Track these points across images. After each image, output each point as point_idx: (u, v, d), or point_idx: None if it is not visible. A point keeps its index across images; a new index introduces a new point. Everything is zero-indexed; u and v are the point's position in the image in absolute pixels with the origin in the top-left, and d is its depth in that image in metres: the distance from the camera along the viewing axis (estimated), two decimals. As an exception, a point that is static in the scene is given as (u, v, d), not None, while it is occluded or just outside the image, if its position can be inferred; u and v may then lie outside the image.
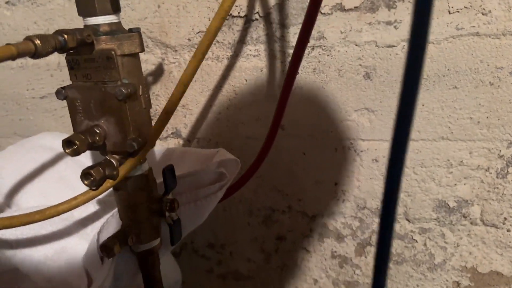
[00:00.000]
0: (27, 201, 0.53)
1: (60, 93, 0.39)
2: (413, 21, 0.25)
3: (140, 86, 0.40)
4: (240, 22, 0.56)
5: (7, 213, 0.49)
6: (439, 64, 0.53)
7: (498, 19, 0.50)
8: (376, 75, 0.55)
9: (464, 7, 0.50)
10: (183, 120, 0.64)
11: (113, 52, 0.37)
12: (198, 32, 0.58)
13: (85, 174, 0.37)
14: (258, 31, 0.56)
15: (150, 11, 0.58)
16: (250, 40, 0.57)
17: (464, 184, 0.57)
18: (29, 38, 0.31)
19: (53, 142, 0.59)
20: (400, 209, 0.60)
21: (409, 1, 0.51)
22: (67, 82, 0.65)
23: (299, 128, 0.59)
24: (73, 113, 0.39)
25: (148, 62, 0.62)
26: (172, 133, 0.65)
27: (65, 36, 0.34)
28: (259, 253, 0.68)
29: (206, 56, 0.58)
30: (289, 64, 0.47)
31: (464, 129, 0.55)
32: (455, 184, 0.57)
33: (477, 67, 0.52)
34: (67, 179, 0.56)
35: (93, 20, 0.38)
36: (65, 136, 0.58)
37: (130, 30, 0.39)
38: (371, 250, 0.63)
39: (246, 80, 0.59)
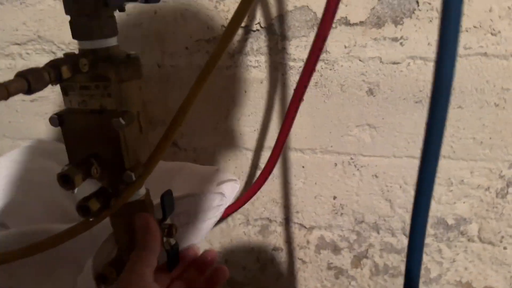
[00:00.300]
0: (13, 210, 0.51)
1: (54, 120, 0.37)
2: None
3: (138, 112, 0.38)
4: (240, 32, 0.54)
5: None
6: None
7: (508, 40, 0.48)
8: (379, 91, 0.53)
9: (474, 26, 0.49)
10: (180, 129, 0.62)
11: (110, 79, 0.35)
12: (197, 40, 0.56)
13: (81, 207, 0.36)
14: (259, 42, 0.54)
15: (147, 17, 0.56)
16: (250, 51, 0.55)
17: (464, 203, 0.57)
18: (21, 75, 0.29)
19: (51, 148, 0.57)
20: (398, 224, 0.60)
21: (416, 18, 0.49)
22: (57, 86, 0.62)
23: (299, 142, 0.58)
24: (68, 141, 0.38)
25: (145, 66, 0.59)
26: (167, 142, 0.63)
27: (60, 68, 0.32)
28: (255, 263, 0.68)
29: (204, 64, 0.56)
30: (294, 94, 0.45)
31: (467, 149, 0.54)
32: (455, 202, 0.57)
33: (483, 87, 0.51)
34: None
35: (89, 44, 0.35)
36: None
37: (128, 55, 0.37)
38: (367, 263, 0.63)
39: (245, 91, 0.57)
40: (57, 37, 0.60)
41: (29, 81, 0.29)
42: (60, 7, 0.59)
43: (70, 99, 0.37)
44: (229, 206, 0.53)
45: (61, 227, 0.46)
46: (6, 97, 0.28)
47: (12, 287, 0.47)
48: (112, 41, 0.36)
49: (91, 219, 0.38)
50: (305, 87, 0.47)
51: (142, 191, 0.42)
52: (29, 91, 0.30)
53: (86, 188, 0.40)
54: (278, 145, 0.52)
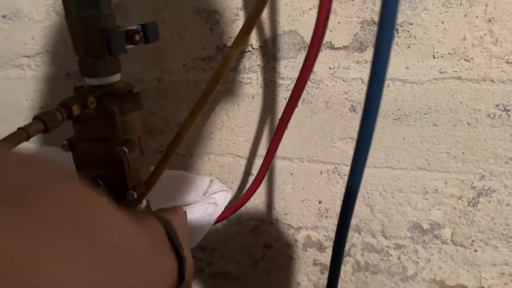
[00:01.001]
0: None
1: (65, 146, 0.42)
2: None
3: (139, 137, 0.43)
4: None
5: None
6: (421, 103, 0.56)
7: (480, 65, 0.53)
8: (361, 108, 0.58)
9: (448, 53, 0.53)
10: (182, 141, 0.66)
11: (114, 113, 0.40)
12: (193, 59, 0.60)
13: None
14: (250, 61, 0.58)
15: (147, 35, 0.60)
16: (243, 69, 0.59)
17: (438, 210, 0.62)
18: (38, 118, 0.34)
19: (56, 156, 0.62)
20: (378, 227, 0.65)
21: (396, 44, 0.53)
22: (66, 94, 0.67)
23: (287, 151, 0.63)
24: (77, 164, 0.43)
25: (145, 80, 0.64)
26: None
27: (71, 107, 0.36)
28: (247, 258, 0.73)
29: (200, 80, 0.61)
30: (284, 111, 0.50)
31: (441, 162, 0.59)
32: (429, 209, 0.62)
33: (457, 107, 0.55)
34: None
35: (95, 81, 0.40)
36: (58, 151, 0.61)
37: (131, 90, 0.41)
38: (350, 260, 0.69)
39: (238, 105, 0.62)
40: (64, 51, 0.64)
41: (45, 123, 0.34)
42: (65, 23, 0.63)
43: (79, 128, 0.41)
44: (223, 212, 0.58)
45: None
46: (27, 139, 0.33)
47: None
48: (116, 77, 0.41)
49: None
50: (295, 106, 0.51)
51: (143, 204, 0.47)
52: (46, 131, 0.34)
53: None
54: (268, 157, 0.56)
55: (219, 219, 0.55)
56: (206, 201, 0.53)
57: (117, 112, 0.40)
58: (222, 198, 0.54)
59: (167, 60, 0.61)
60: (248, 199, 0.55)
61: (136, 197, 0.42)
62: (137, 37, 0.39)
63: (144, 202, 0.47)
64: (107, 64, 0.39)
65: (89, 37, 0.38)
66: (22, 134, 0.33)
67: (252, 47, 0.57)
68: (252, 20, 0.38)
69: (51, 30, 0.64)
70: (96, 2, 0.37)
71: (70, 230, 0.18)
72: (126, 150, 0.40)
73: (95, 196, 0.22)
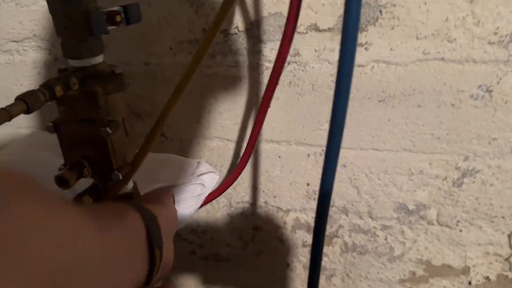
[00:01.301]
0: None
1: (51, 128, 0.42)
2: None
3: (123, 119, 0.44)
4: (219, 35, 0.59)
5: None
6: (405, 84, 0.56)
7: (462, 46, 0.53)
8: (347, 90, 0.58)
9: (432, 34, 0.53)
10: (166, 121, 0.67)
11: (97, 93, 0.40)
12: (180, 42, 0.60)
13: (77, 202, 0.42)
14: (237, 44, 0.59)
15: (134, 19, 0.60)
16: (229, 52, 0.59)
17: (423, 191, 0.63)
18: (20, 98, 0.34)
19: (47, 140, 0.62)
20: (364, 208, 0.66)
21: (380, 26, 0.54)
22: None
23: (275, 135, 0.64)
24: (63, 145, 0.43)
25: (131, 64, 0.64)
26: (156, 132, 0.68)
27: (54, 88, 0.37)
28: (238, 240, 0.75)
29: (188, 63, 0.61)
30: (266, 89, 0.51)
31: (425, 143, 0.59)
32: (415, 190, 0.63)
33: (441, 89, 0.56)
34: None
35: (78, 63, 0.40)
36: (49, 134, 0.61)
37: (113, 71, 0.42)
38: (338, 241, 0.70)
39: (225, 88, 0.62)
40: (52, 36, 0.65)
41: (27, 104, 0.35)
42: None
43: (63, 110, 0.42)
44: (211, 193, 0.59)
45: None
46: (9, 120, 0.34)
47: None
48: (99, 59, 0.41)
49: (84, 213, 0.43)
50: (275, 85, 0.51)
51: (129, 185, 0.48)
52: (28, 111, 0.35)
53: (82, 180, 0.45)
54: (253, 136, 0.57)
55: (206, 201, 0.56)
56: (193, 182, 0.54)
57: (100, 93, 0.41)
58: (209, 179, 0.55)
59: (154, 44, 0.61)
60: (235, 179, 0.56)
61: (121, 178, 0.43)
62: (118, 18, 0.40)
63: (131, 183, 0.48)
64: (89, 46, 0.40)
65: (71, 19, 0.38)
66: (4, 114, 0.33)
67: (238, 30, 0.58)
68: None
69: (38, 14, 0.64)
70: (76, -17, 0.37)
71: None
72: (110, 131, 0.40)
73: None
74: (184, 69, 0.62)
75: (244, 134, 0.65)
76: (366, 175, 0.63)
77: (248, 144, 0.55)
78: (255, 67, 0.60)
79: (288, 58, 0.58)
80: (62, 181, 0.40)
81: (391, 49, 0.55)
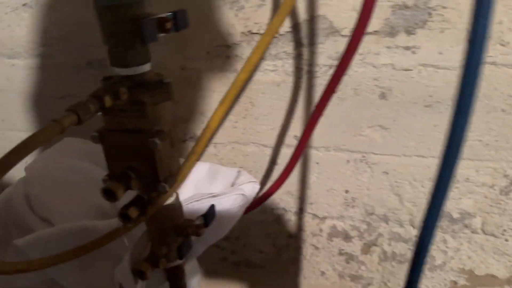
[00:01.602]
0: (55, 208, 0.56)
1: (95, 138, 0.41)
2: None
3: (169, 129, 0.42)
4: (259, 38, 0.57)
5: (40, 231, 0.52)
6: (454, 89, 0.54)
7: (516, 49, 0.51)
8: (391, 95, 0.56)
9: (483, 36, 0.51)
10: (201, 126, 0.66)
11: (146, 103, 0.39)
12: (217, 46, 0.59)
13: (122, 215, 0.40)
14: (277, 48, 0.57)
15: (170, 23, 0.59)
16: (268, 56, 0.58)
17: (469, 198, 0.60)
18: (72, 110, 0.33)
19: (79, 147, 0.61)
20: (406, 216, 0.64)
21: (428, 29, 0.51)
22: (87, 83, 0.67)
23: (313, 140, 0.62)
24: (108, 156, 0.42)
25: (167, 69, 0.63)
26: (190, 137, 0.67)
27: (103, 98, 0.36)
28: (271, 247, 0.73)
29: (225, 68, 0.60)
30: (323, 95, 0.48)
31: (473, 150, 0.57)
32: (460, 198, 0.61)
33: (491, 94, 0.53)
34: (95, 182, 0.58)
35: (125, 71, 0.39)
36: (80, 141, 0.60)
37: (161, 81, 0.40)
38: (376, 250, 0.68)
39: (263, 93, 0.60)
40: (84, 40, 0.64)
41: (79, 115, 0.33)
42: (85, 10, 0.62)
43: (109, 119, 0.40)
44: (252, 203, 0.57)
45: (100, 223, 0.52)
46: (61, 132, 0.32)
47: (55, 278, 0.52)
48: (146, 67, 0.40)
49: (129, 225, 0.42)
50: (332, 93, 0.49)
51: (173, 196, 0.46)
52: (79, 122, 0.34)
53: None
54: (301, 145, 0.54)
55: (247, 210, 0.54)
56: (234, 192, 0.52)
57: (148, 103, 0.39)
58: (250, 189, 0.53)
59: (191, 47, 0.59)
60: (278, 188, 0.54)
61: (167, 189, 0.42)
62: (168, 25, 0.38)
63: (174, 194, 0.47)
64: (137, 54, 0.38)
65: (119, 26, 0.37)
66: (56, 127, 0.32)
67: (278, 33, 0.56)
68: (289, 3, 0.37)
69: (71, 18, 0.63)
70: (128, -11, 0.36)
71: None
72: (158, 142, 0.39)
73: None
74: (221, 73, 0.61)
75: (281, 139, 0.63)
76: (409, 183, 0.61)
77: (294, 154, 0.53)
78: (295, 71, 0.58)
79: (330, 62, 0.56)
80: (109, 194, 0.39)
81: (439, 53, 0.52)
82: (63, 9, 0.62)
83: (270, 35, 0.39)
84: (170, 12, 0.38)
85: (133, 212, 0.41)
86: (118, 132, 0.41)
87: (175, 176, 0.43)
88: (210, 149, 0.67)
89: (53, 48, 0.66)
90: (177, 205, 0.47)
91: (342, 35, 0.54)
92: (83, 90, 0.68)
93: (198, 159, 0.44)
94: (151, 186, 0.42)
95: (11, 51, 0.66)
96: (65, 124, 0.32)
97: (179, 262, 0.49)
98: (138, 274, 0.46)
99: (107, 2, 0.36)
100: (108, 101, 0.36)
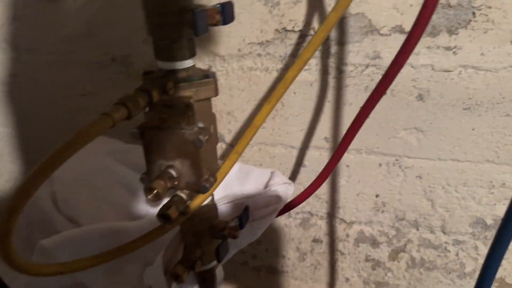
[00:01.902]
0: (82, 208, 0.54)
1: (136, 134, 0.39)
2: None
3: (212, 126, 0.41)
4: (294, 36, 0.55)
5: (67, 231, 0.50)
6: (494, 91, 0.52)
7: (562, 51, 0.49)
8: (429, 97, 0.55)
9: (528, 38, 0.49)
10: (228, 126, 0.64)
11: (190, 99, 0.37)
12: (249, 43, 0.57)
13: (163, 216, 0.38)
14: (311, 46, 0.55)
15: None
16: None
17: (504, 204, 0.59)
18: (121, 103, 0.31)
19: (106, 146, 0.59)
20: (437, 222, 0.62)
21: (472, 29, 0.50)
22: (112, 79, 0.65)
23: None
24: (148, 153, 0.40)
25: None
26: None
27: (151, 92, 0.34)
28: (295, 252, 0.71)
29: (255, 67, 0.58)
30: (371, 98, 0.45)
31: (510, 154, 0.55)
32: (495, 204, 0.59)
33: (533, 97, 0.52)
34: (122, 182, 0.56)
35: (170, 65, 0.37)
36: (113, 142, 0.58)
37: (206, 75, 0.38)
38: (404, 256, 0.66)
39: (294, 93, 0.59)
40: (108, 36, 0.62)
41: (129, 109, 0.31)
42: (108, 3, 0.60)
43: (152, 115, 0.39)
44: (286, 205, 0.55)
45: (130, 224, 0.50)
46: (112, 126, 0.30)
47: (84, 282, 0.50)
48: (191, 62, 0.38)
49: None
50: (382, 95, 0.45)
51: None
52: (129, 117, 0.32)
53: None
54: (341, 149, 0.51)
55: (280, 213, 0.53)
56: (268, 193, 0.51)
57: (193, 99, 0.37)
58: (284, 190, 0.52)
59: (221, 44, 0.58)
60: (311, 194, 0.53)
61: (209, 189, 0.40)
62: (217, 17, 0.36)
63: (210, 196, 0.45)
64: (184, 47, 0.37)
65: (167, 17, 0.35)
66: (107, 120, 0.30)
67: (314, 31, 0.54)
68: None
69: (95, 13, 0.61)
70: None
71: None
72: (203, 139, 0.37)
73: None
74: (251, 72, 0.59)
75: (309, 141, 0.62)
76: (443, 187, 0.59)
77: (333, 157, 0.50)
78: (329, 70, 0.56)
79: (367, 61, 0.55)
80: (153, 193, 0.37)
81: (482, 54, 0.51)
82: (87, 4, 0.60)
83: (326, 30, 0.37)
84: (218, 4, 0.37)
85: (174, 212, 0.39)
86: (160, 129, 0.39)
87: (215, 176, 0.42)
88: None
89: (76, 43, 0.64)
90: (213, 206, 0.45)
91: (381, 34, 0.53)
92: (104, 88, 0.67)
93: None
94: (192, 185, 0.40)
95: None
96: (116, 117, 0.30)
97: (213, 265, 0.48)
98: (174, 277, 0.44)
99: (155, -9, 0.35)
100: (155, 95, 0.35)
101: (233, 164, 0.42)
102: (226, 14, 0.38)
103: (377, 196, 0.63)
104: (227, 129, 0.64)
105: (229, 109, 0.62)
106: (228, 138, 0.65)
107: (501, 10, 0.49)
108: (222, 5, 0.37)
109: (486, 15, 0.49)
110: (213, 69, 0.60)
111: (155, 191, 0.37)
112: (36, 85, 0.68)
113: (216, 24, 0.37)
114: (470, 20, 0.50)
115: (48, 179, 0.55)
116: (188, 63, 0.38)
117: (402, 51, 0.38)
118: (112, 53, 0.64)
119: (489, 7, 0.49)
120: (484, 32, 0.50)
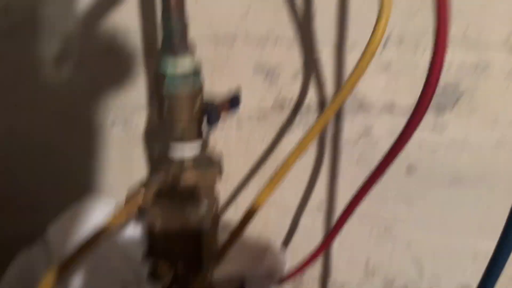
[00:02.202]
0: (80, 276, 0.53)
1: (141, 217, 0.40)
2: None
3: (216, 206, 0.42)
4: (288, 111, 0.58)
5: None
6: (477, 168, 0.55)
7: None
8: (420, 168, 0.57)
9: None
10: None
11: (198, 187, 0.38)
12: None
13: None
14: (308, 118, 0.58)
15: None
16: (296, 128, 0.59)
17: (488, 273, 0.61)
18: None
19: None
20: (424, 288, 0.64)
21: (458, 110, 0.53)
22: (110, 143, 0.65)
23: (336, 207, 0.62)
24: (148, 235, 0.41)
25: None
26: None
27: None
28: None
29: (252, 138, 0.60)
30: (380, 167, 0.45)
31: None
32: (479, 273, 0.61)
33: (516, 174, 0.55)
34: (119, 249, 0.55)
35: (180, 152, 0.38)
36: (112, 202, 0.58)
37: (211, 160, 0.40)
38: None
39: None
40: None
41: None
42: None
43: (156, 200, 0.39)
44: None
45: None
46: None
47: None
48: (199, 147, 0.39)
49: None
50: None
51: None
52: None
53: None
54: (341, 221, 0.52)
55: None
56: (263, 268, 0.52)
57: (200, 185, 0.39)
58: (279, 266, 0.53)
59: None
60: (308, 265, 0.54)
61: (209, 269, 0.41)
62: (225, 109, 0.39)
63: (208, 271, 0.46)
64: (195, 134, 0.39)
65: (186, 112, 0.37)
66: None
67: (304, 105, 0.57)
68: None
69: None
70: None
71: None
72: (208, 225, 0.39)
73: None
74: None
75: (306, 202, 0.64)
76: (431, 257, 0.61)
77: (333, 230, 0.51)
78: (319, 142, 0.59)
79: (358, 136, 0.58)
80: (156, 277, 0.38)
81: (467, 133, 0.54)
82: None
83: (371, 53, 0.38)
84: (227, 99, 0.39)
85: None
86: (165, 211, 0.40)
87: (216, 257, 0.43)
88: (231, 209, 0.66)
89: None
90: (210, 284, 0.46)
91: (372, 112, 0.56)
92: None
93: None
94: (193, 267, 0.41)
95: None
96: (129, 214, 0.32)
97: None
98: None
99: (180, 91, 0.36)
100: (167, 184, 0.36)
101: (233, 244, 0.43)
102: (232, 106, 0.40)
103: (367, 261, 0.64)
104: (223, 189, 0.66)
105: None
106: (223, 196, 0.66)
107: (484, 96, 0.52)
108: (231, 98, 0.39)
109: (470, 98, 0.53)
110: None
111: (158, 275, 0.38)
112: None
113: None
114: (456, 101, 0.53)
115: (43, 242, 0.55)
116: (196, 148, 0.39)
117: (404, 132, 0.38)
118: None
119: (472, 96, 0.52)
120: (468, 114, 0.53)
